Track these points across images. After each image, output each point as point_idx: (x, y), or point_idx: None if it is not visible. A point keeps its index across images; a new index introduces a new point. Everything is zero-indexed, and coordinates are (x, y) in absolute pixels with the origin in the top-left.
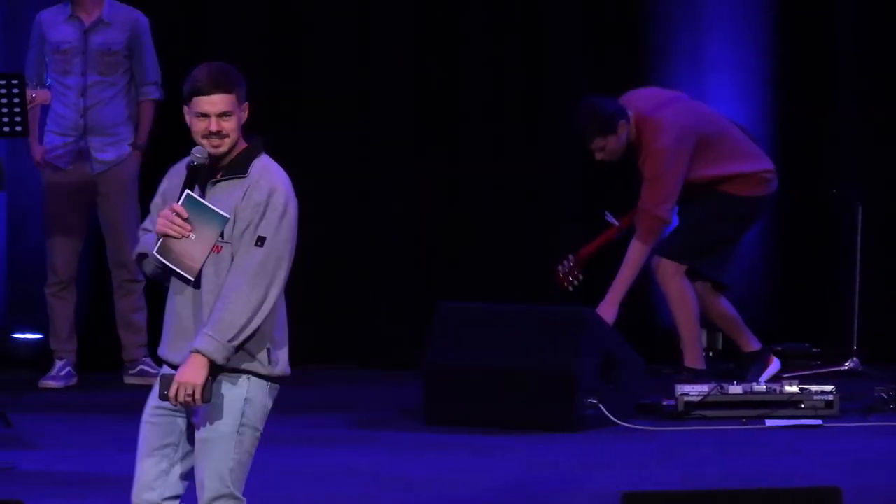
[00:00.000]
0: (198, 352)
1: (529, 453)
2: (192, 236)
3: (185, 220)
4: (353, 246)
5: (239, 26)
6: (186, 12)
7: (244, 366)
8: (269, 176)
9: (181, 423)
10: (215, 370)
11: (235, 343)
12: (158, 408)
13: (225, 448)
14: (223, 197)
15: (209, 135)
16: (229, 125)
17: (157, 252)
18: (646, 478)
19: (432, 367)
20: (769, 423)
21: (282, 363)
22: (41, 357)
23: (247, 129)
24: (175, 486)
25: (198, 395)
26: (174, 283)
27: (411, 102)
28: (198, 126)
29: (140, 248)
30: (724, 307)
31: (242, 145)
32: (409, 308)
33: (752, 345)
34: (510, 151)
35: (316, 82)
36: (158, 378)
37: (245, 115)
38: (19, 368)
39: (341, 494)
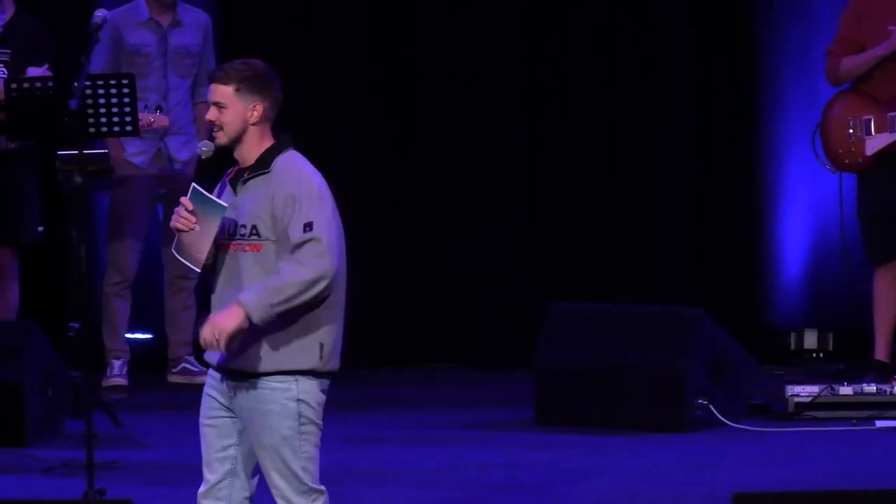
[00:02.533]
0: (239, 303)
1: (639, 453)
2: (198, 228)
3: (192, 212)
4: (463, 246)
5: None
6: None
7: (293, 365)
8: (293, 169)
9: (238, 424)
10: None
11: (277, 309)
12: (216, 409)
13: (292, 451)
14: (252, 195)
15: (210, 124)
16: (224, 117)
17: (173, 248)
18: (755, 478)
19: (543, 367)
20: (879, 424)
21: (333, 358)
22: (153, 356)
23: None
24: (244, 487)
25: (223, 342)
26: (215, 283)
27: (517, 104)
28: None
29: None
30: None
31: (267, 143)
32: (520, 308)
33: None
34: (620, 153)
35: (441, 81)
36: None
37: (257, 113)
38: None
39: (451, 495)
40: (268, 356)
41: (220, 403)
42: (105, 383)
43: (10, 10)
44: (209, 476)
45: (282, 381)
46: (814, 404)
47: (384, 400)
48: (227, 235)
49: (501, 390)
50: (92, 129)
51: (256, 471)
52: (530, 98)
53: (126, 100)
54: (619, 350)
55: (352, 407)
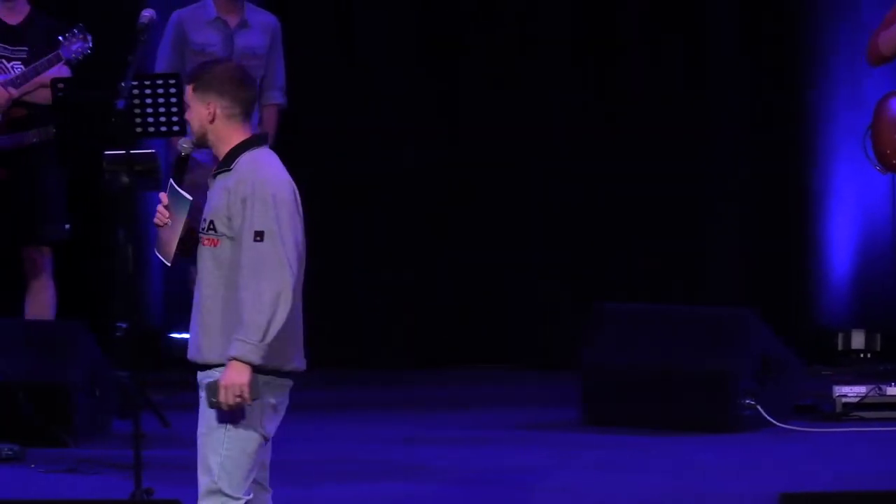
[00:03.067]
0: (234, 359)
1: (686, 453)
2: (170, 223)
3: (167, 207)
4: (513, 246)
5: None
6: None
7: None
8: (254, 169)
9: None
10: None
11: (267, 341)
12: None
13: (215, 442)
14: (215, 191)
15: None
16: (188, 116)
17: (155, 246)
18: (803, 479)
19: (591, 366)
20: None
21: (279, 358)
22: None
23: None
24: (261, 488)
25: (246, 394)
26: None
27: (566, 107)
28: None
29: None
30: None
31: (237, 140)
32: (568, 308)
33: None
34: (671, 156)
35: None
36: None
37: (213, 112)
38: (176, 368)
39: (497, 494)
40: (214, 348)
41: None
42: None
43: (24, 10)
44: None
45: (220, 372)
46: (861, 405)
47: (433, 400)
48: (195, 229)
49: (549, 390)
50: (139, 130)
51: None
52: (579, 100)
53: (173, 100)
54: (666, 350)
55: (401, 407)
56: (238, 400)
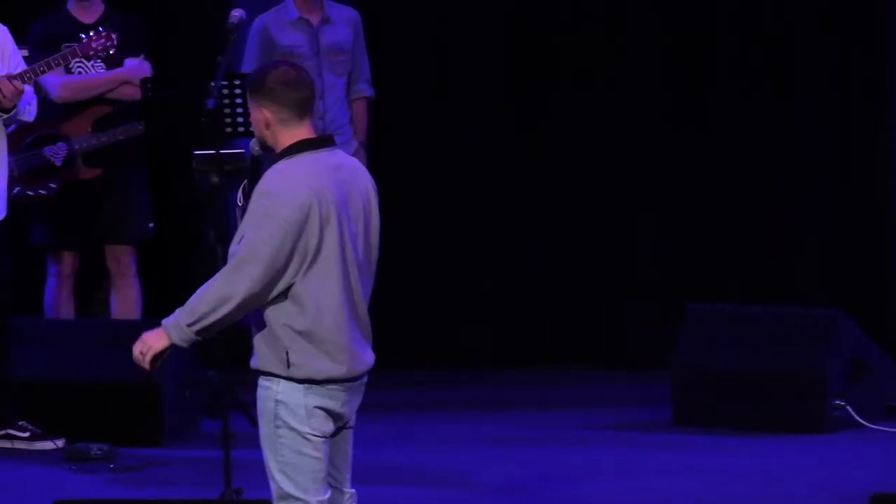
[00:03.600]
0: (161, 324)
1: (776, 454)
2: None
3: (242, 209)
4: (603, 246)
5: None
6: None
7: (268, 367)
8: (270, 178)
9: None
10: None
11: (193, 328)
12: None
13: (270, 451)
14: None
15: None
16: (251, 121)
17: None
18: (894, 479)
19: (681, 367)
20: None
21: (307, 367)
22: None
23: None
24: (338, 493)
25: (148, 358)
26: None
27: (656, 109)
28: None
29: None
30: None
31: (289, 144)
32: (658, 308)
33: None
34: (760, 158)
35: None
36: None
37: (267, 117)
38: None
39: (588, 493)
40: (257, 354)
41: None
42: None
43: (99, 9)
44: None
45: (265, 380)
46: None
47: (522, 400)
48: None
49: (639, 391)
50: (228, 129)
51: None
52: (670, 103)
53: None
54: (756, 351)
55: (489, 407)
56: (139, 356)
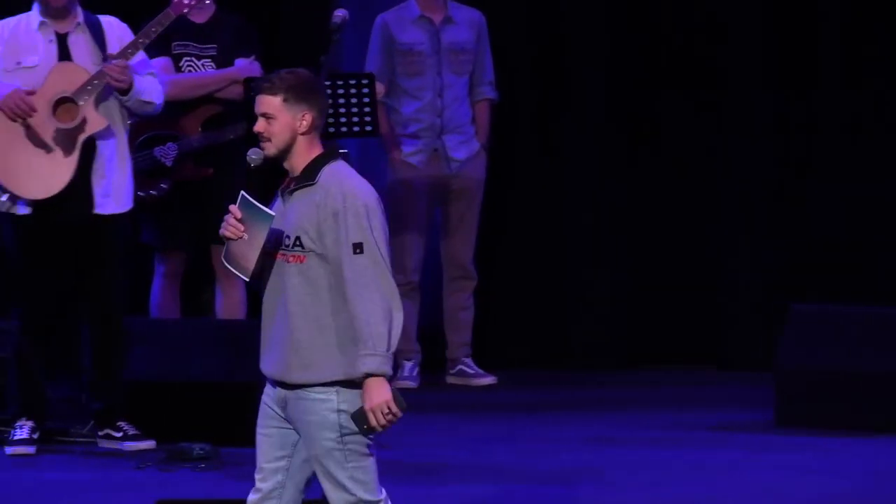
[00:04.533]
0: (367, 375)
1: (879, 455)
2: (246, 237)
3: (241, 221)
4: (706, 248)
5: None
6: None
7: (332, 376)
8: (338, 181)
9: (293, 435)
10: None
11: (392, 350)
12: (271, 419)
13: (336, 462)
14: (297, 206)
15: (257, 135)
16: (272, 128)
17: (223, 256)
18: None
19: (783, 368)
20: None
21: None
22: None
23: None
24: (294, 499)
25: (395, 409)
26: (262, 292)
27: (761, 112)
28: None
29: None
30: None
31: (315, 153)
32: (761, 309)
33: None
34: (865, 158)
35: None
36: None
37: (305, 123)
38: None
39: (689, 493)
40: (309, 367)
41: (276, 413)
42: (394, 385)
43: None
44: (261, 485)
45: (322, 392)
46: None
47: (625, 400)
48: (274, 245)
49: (742, 391)
50: (332, 129)
51: (312, 480)
52: (775, 105)
53: (366, 100)
54: (859, 352)
55: (592, 407)
56: (390, 418)
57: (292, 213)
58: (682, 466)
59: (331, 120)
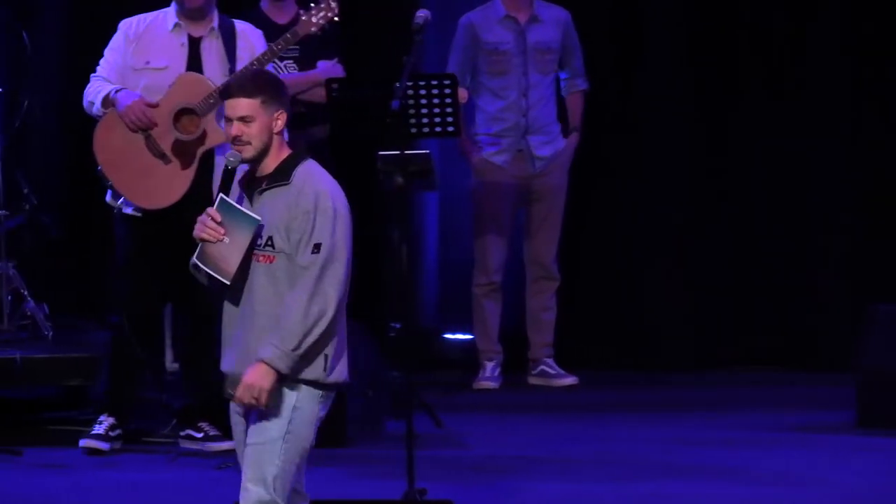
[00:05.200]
0: (262, 361)
1: None
2: (227, 240)
3: (220, 223)
4: (785, 249)
5: None
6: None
7: (296, 375)
8: (312, 181)
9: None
10: (281, 378)
11: (298, 352)
12: (241, 431)
13: (270, 454)
14: (269, 206)
15: (232, 140)
16: (251, 131)
17: (196, 258)
18: None
19: (865, 369)
20: None
21: (338, 371)
22: (470, 358)
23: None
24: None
25: (263, 399)
26: (225, 291)
27: (846, 114)
28: (227, 130)
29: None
30: None
31: (285, 153)
32: (842, 310)
33: None
34: None
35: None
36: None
37: (280, 122)
38: (450, 369)
39: (771, 495)
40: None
41: (241, 418)
42: (476, 385)
43: (292, 10)
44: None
45: (286, 386)
46: None
47: (703, 401)
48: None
49: (823, 392)
50: (413, 130)
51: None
52: (860, 107)
53: (448, 100)
54: None
55: (672, 408)
56: (252, 402)
57: (264, 212)
58: (763, 468)
59: (412, 121)
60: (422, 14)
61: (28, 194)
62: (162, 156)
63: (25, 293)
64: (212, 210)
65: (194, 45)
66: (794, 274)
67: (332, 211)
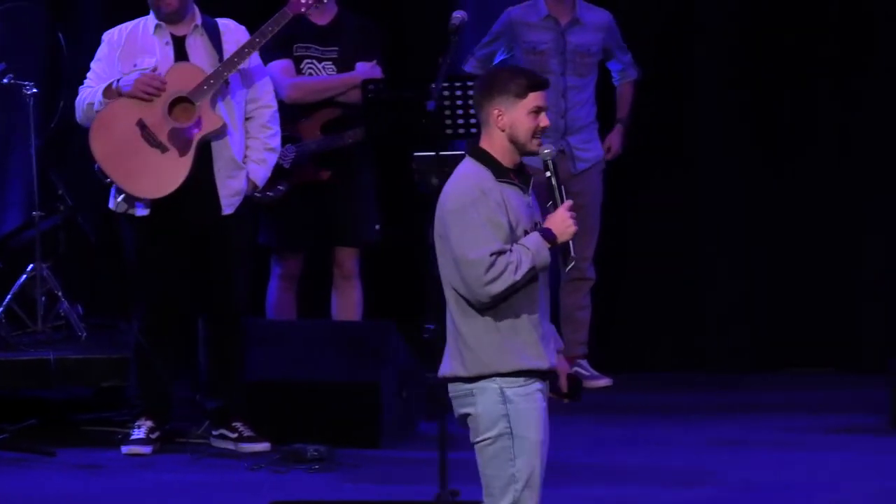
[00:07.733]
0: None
1: None
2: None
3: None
4: (825, 251)
5: None
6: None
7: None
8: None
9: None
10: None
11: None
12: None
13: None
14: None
15: (539, 131)
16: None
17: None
18: None
19: None
20: None
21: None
22: None
23: None
24: None
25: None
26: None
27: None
28: (531, 122)
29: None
30: None
31: None
32: (877, 312)
33: None
34: None
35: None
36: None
37: None
38: None
39: (807, 497)
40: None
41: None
42: None
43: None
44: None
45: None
46: None
47: (744, 404)
48: None
49: (858, 394)
50: (449, 131)
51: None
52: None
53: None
54: None
55: (707, 410)
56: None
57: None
58: (798, 469)
59: (448, 122)
60: (458, 15)
61: (63, 195)
62: (159, 145)
63: (60, 294)
64: (569, 203)
65: (179, 43)
66: (834, 277)
67: None
